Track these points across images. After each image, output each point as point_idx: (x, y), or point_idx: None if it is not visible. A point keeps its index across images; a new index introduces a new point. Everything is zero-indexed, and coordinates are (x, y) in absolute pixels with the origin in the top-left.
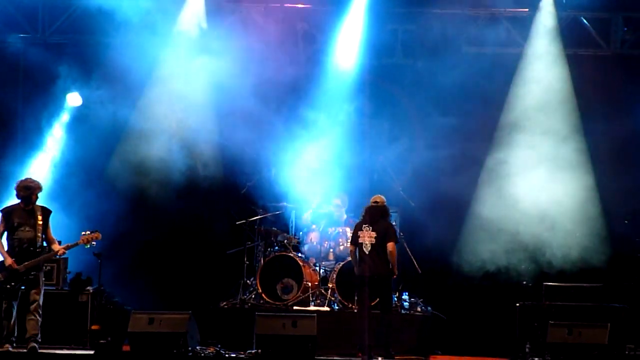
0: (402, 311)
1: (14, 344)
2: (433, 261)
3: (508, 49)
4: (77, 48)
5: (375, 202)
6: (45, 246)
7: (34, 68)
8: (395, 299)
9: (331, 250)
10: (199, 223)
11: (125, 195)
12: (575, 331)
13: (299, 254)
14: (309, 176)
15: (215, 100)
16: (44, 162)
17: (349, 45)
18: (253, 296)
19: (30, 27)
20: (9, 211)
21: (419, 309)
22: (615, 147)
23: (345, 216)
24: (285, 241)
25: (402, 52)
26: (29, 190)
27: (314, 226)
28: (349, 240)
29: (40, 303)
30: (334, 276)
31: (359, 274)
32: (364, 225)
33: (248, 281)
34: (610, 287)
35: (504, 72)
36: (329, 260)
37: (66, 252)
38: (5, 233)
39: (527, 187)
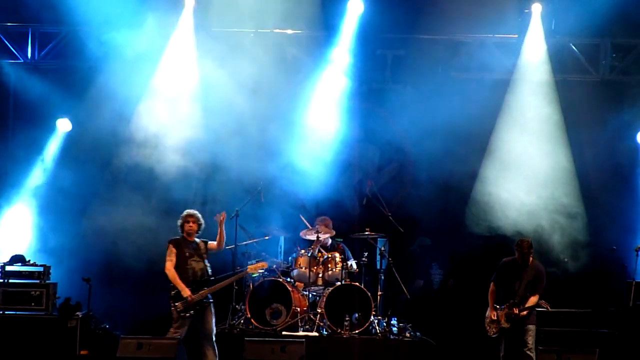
0: (391, 336)
1: None
2: (422, 286)
3: (496, 74)
4: (68, 73)
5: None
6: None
7: (24, 93)
8: (384, 323)
9: (320, 275)
10: None
11: (114, 219)
12: (564, 357)
13: (288, 279)
14: (297, 200)
15: (205, 124)
16: (33, 189)
17: (338, 70)
18: (242, 321)
19: (20, 52)
20: (179, 242)
21: (407, 334)
22: (603, 173)
23: (330, 241)
24: (275, 266)
25: (391, 77)
26: (199, 222)
27: (302, 251)
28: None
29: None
30: (323, 301)
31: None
32: None
33: (237, 306)
34: (599, 313)
35: (492, 98)
36: (317, 286)
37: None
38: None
39: (514, 209)
